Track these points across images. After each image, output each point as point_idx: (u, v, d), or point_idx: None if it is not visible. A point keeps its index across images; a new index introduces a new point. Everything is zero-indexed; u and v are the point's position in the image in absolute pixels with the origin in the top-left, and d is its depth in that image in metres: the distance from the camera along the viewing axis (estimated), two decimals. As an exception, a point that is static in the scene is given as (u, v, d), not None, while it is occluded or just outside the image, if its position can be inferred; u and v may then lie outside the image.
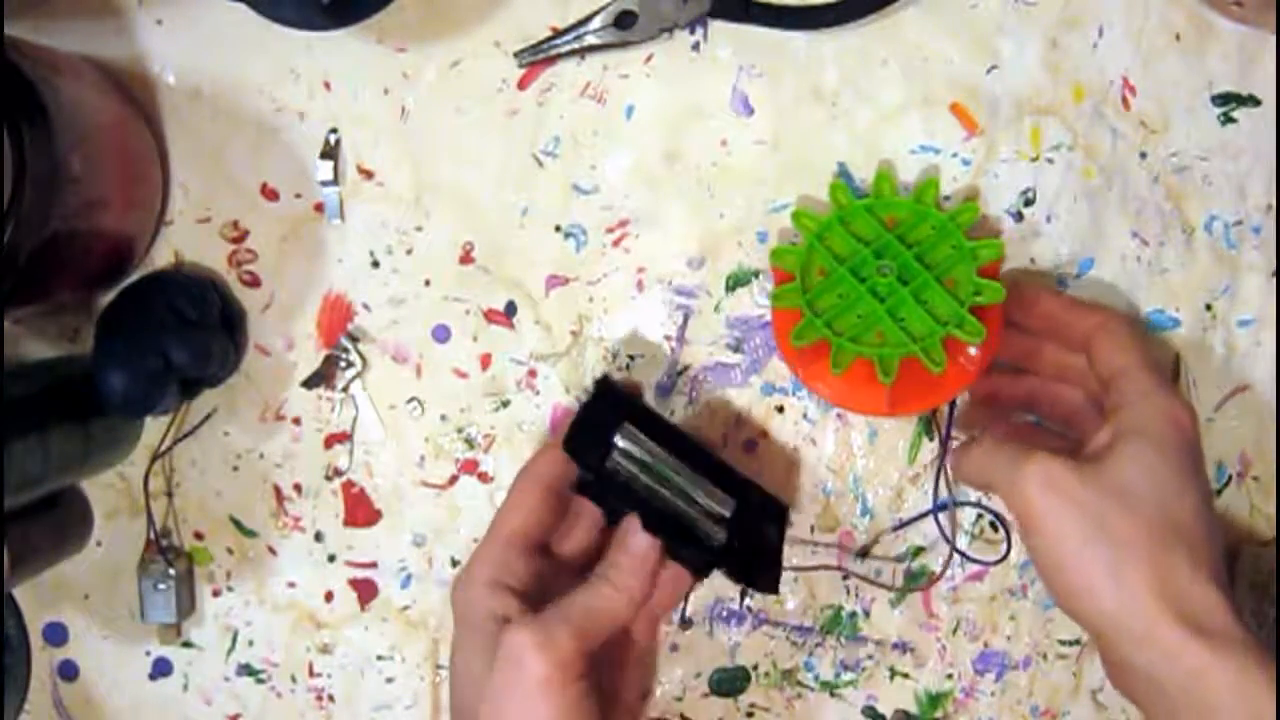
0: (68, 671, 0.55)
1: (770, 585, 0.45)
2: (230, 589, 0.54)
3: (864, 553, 0.53)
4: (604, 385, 0.48)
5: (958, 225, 0.45)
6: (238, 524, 0.54)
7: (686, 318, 0.52)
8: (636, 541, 0.42)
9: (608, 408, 0.46)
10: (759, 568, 0.45)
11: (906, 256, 0.45)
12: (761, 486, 0.48)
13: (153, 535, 0.53)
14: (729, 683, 0.54)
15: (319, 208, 0.51)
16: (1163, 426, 0.42)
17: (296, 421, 0.53)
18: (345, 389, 0.53)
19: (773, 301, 0.48)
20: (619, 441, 0.44)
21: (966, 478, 0.46)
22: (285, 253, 0.52)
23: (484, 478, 0.53)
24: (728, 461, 0.49)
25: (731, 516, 0.45)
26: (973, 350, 0.46)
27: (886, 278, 0.45)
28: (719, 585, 0.54)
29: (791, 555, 0.52)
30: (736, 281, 0.52)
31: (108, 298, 0.50)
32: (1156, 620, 0.38)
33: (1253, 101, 0.51)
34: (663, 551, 0.42)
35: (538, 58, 0.50)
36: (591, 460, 0.44)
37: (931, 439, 0.52)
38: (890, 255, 0.46)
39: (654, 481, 0.44)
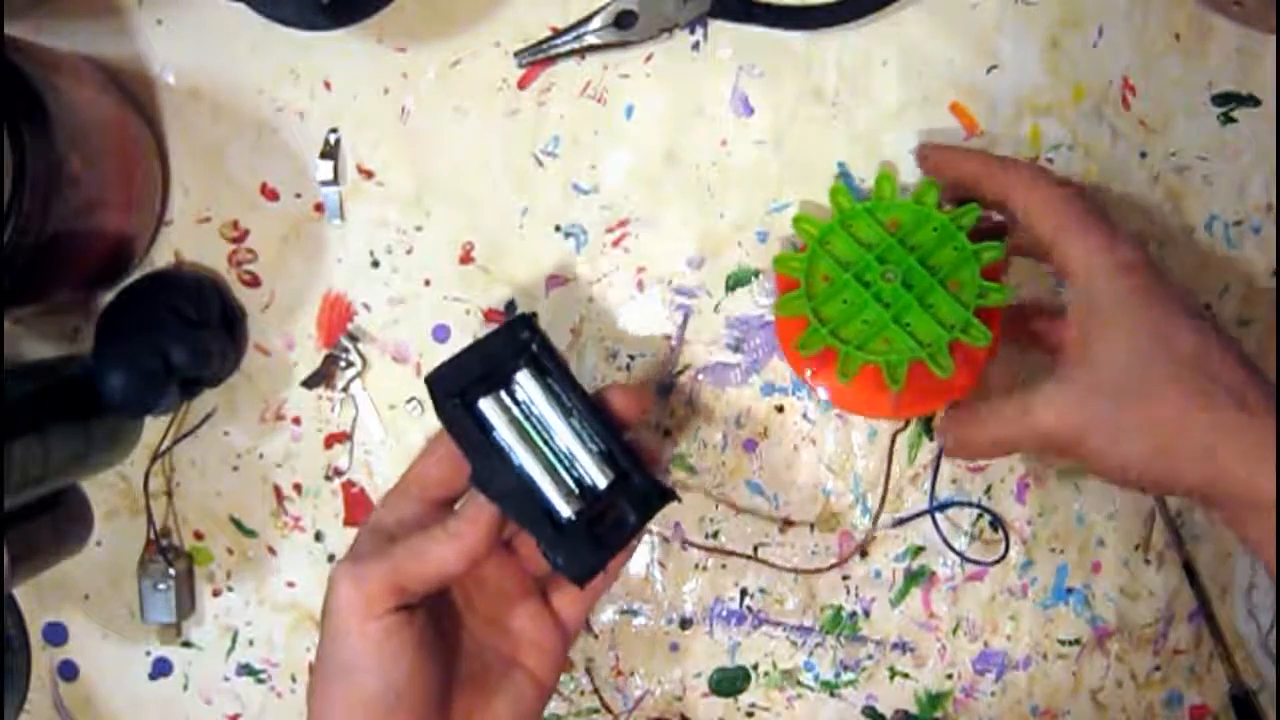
0: (68, 671, 0.55)
1: (578, 570, 0.41)
2: (230, 589, 0.54)
3: (864, 553, 0.53)
4: (521, 323, 0.43)
5: (959, 227, 0.45)
6: (238, 524, 0.54)
7: (686, 318, 0.52)
8: (476, 501, 0.41)
9: (510, 349, 0.42)
10: (579, 551, 0.41)
11: (910, 261, 0.45)
12: (650, 473, 0.43)
13: (153, 535, 0.53)
14: (729, 683, 0.54)
15: (319, 208, 0.51)
16: (1119, 292, 0.41)
17: (296, 421, 0.53)
18: (345, 389, 0.53)
19: (777, 310, 0.48)
20: (493, 397, 0.41)
21: (981, 452, 0.46)
22: (285, 253, 0.52)
23: (484, 478, 0.53)
24: (635, 439, 0.44)
25: (596, 494, 0.42)
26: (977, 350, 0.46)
27: (891, 283, 0.45)
28: (718, 585, 0.54)
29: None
30: (736, 281, 0.52)
31: (108, 298, 0.50)
32: (1232, 471, 0.39)
33: (1253, 101, 0.51)
34: (499, 515, 0.40)
35: (538, 58, 0.50)
36: (453, 398, 0.41)
37: (932, 439, 0.52)
38: (893, 260, 0.46)
39: (520, 439, 0.41)
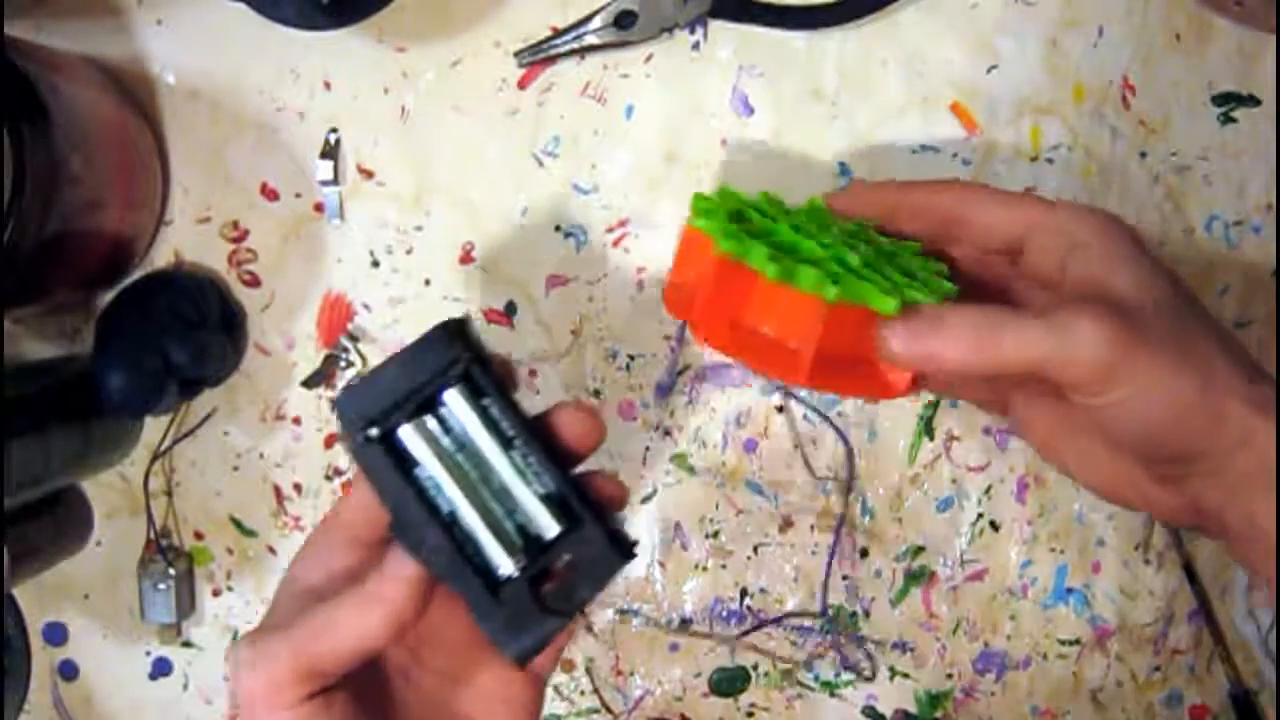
0: (68, 671, 0.55)
1: (518, 647, 0.33)
2: (230, 589, 0.54)
3: (864, 552, 0.53)
4: (452, 330, 0.34)
5: (905, 249, 0.41)
6: (238, 524, 0.54)
7: (686, 318, 0.52)
8: (399, 554, 0.33)
9: (438, 364, 0.34)
10: (521, 620, 0.33)
11: (853, 237, 0.39)
12: (609, 520, 0.35)
13: (153, 535, 0.53)
14: (729, 683, 0.54)
15: (319, 208, 0.51)
16: (1106, 244, 0.37)
17: (296, 421, 0.53)
18: (345, 389, 0.53)
19: (691, 220, 0.38)
20: (416, 424, 0.34)
21: (948, 364, 0.35)
22: (285, 253, 0.52)
23: (484, 478, 0.53)
24: (590, 475, 0.36)
25: (542, 545, 0.34)
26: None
27: (830, 237, 0.38)
28: (719, 585, 0.54)
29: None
30: (736, 281, 0.52)
31: (108, 298, 0.50)
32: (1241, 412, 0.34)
33: (1253, 101, 0.51)
34: (426, 573, 0.33)
35: (538, 58, 0.50)
36: (366, 426, 0.33)
37: (932, 439, 0.52)
38: (832, 236, 0.39)
39: (450, 475, 0.34)
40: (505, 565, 0.33)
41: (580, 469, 0.36)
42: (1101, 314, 0.33)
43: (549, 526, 0.34)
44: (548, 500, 0.34)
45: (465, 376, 0.34)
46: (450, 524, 0.33)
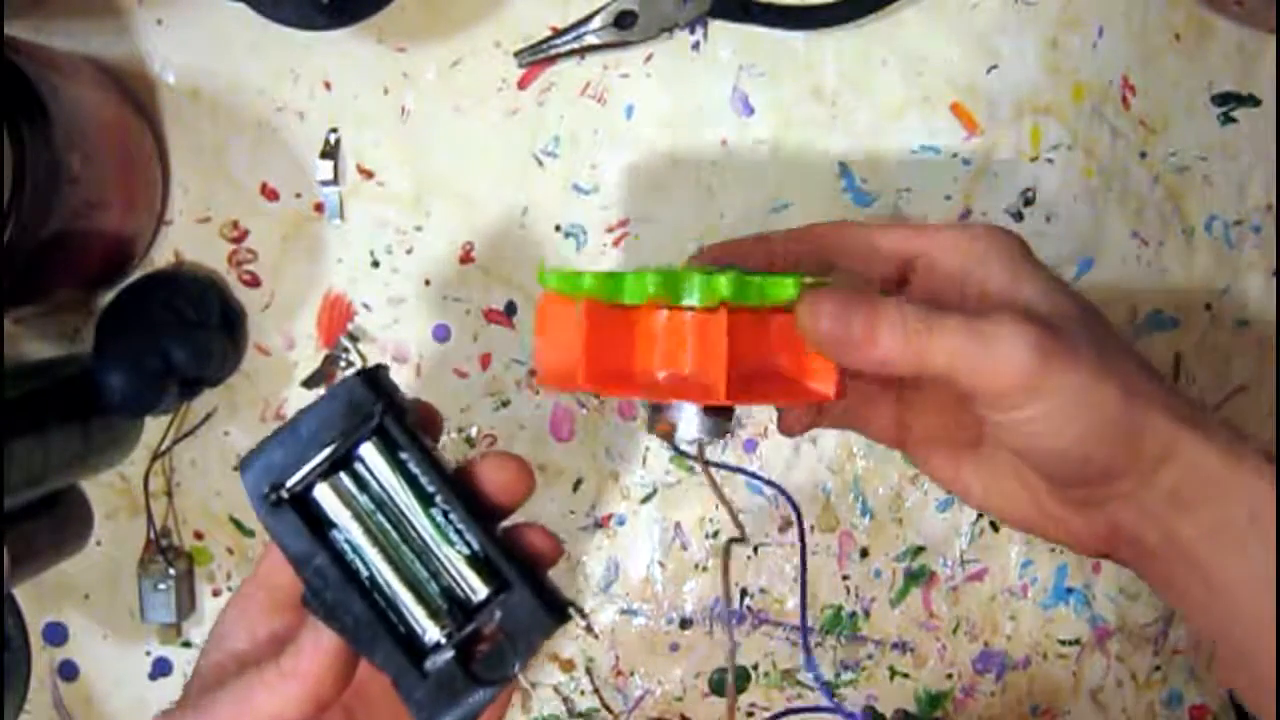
0: (68, 671, 0.55)
1: None
2: (230, 589, 0.54)
3: (864, 552, 0.53)
4: (366, 380, 0.32)
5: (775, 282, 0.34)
6: (238, 524, 0.54)
7: (686, 318, 0.52)
8: (316, 626, 0.31)
9: (350, 417, 0.32)
10: (449, 691, 0.31)
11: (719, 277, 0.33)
12: (546, 583, 0.33)
13: (153, 535, 0.53)
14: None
15: (319, 208, 0.51)
16: (998, 251, 0.34)
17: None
18: (345, 389, 0.53)
19: (543, 280, 0.34)
20: (331, 483, 0.32)
21: (868, 358, 0.32)
22: (285, 253, 0.52)
23: (484, 478, 0.53)
24: (518, 529, 0.34)
25: (470, 608, 0.32)
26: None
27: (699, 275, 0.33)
28: (719, 584, 0.54)
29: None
30: (736, 281, 0.52)
31: (108, 298, 0.50)
32: (1163, 427, 0.32)
33: (1253, 101, 0.51)
34: (343, 643, 0.31)
35: (538, 58, 0.50)
36: (273, 492, 0.31)
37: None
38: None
39: (368, 538, 0.32)
40: (430, 632, 0.31)
41: (509, 521, 0.34)
42: (1023, 321, 0.31)
43: (476, 589, 0.32)
44: (473, 560, 0.32)
45: (380, 430, 0.32)
46: (370, 590, 0.31)
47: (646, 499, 0.53)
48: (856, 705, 0.55)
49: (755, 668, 0.54)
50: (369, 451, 0.32)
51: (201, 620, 0.54)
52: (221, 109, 0.51)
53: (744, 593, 0.54)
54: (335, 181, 0.51)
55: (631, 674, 0.54)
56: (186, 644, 0.55)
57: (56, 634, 0.55)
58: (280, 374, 0.53)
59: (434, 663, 0.31)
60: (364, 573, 0.31)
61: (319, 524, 0.31)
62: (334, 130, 0.51)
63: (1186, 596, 0.34)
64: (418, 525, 0.32)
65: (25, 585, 0.51)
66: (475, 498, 0.32)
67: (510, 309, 0.52)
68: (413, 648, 0.31)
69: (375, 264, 0.52)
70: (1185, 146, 0.51)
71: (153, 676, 0.55)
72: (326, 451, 0.31)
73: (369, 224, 0.51)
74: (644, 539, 0.53)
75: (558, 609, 0.32)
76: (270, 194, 0.51)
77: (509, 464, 0.33)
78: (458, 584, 0.32)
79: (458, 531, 0.32)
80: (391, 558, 0.32)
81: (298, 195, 0.51)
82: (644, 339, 0.32)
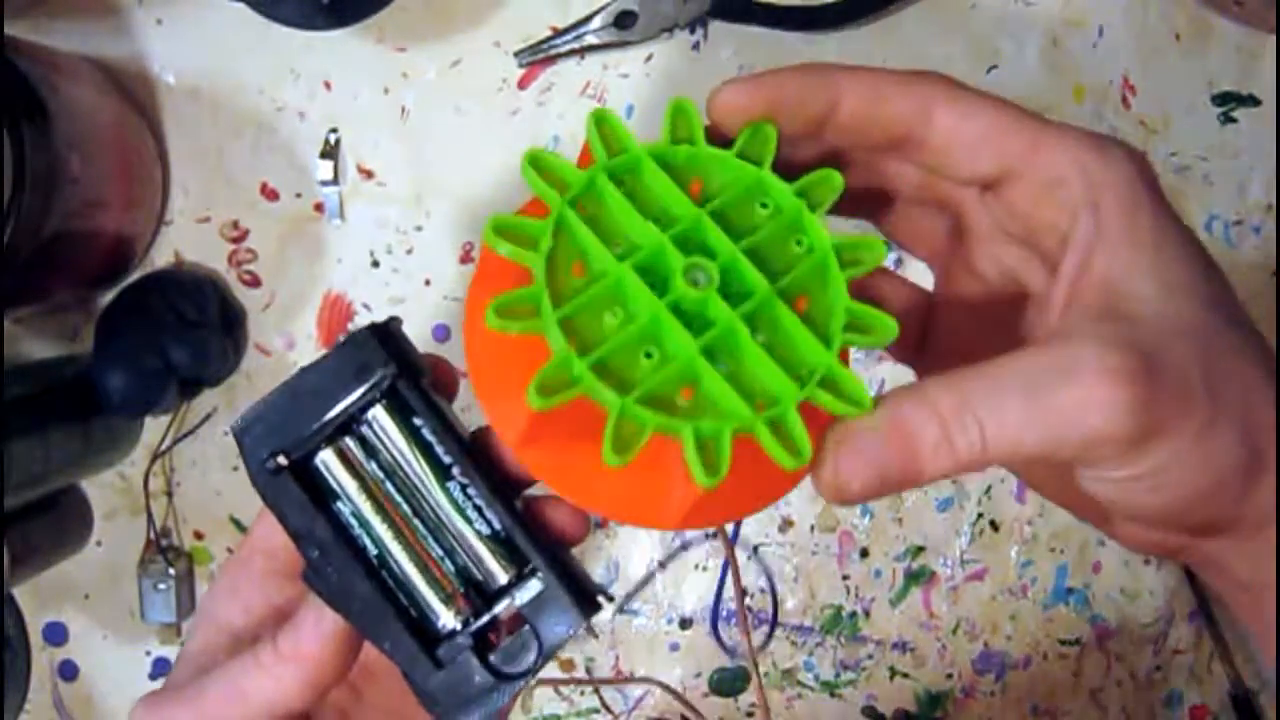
0: (68, 671, 0.55)
1: (464, 716, 0.28)
2: (230, 589, 0.54)
3: (864, 552, 0.53)
4: (376, 336, 0.28)
5: (812, 206, 0.27)
6: (238, 524, 0.54)
7: (686, 318, 0.52)
8: (316, 604, 0.28)
9: (358, 377, 0.28)
10: (465, 684, 0.28)
11: (730, 251, 0.26)
12: (574, 568, 0.29)
13: (153, 535, 0.53)
14: (729, 683, 0.54)
15: (319, 208, 0.51)
16: (1142, 201, 0.26)
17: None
18: (345, 389, 0.53)
19: (491, 318, 0.25)
20: (335, 449, 0.28)
21: (915, 481, 0.25)
22: (285, 253, 0.52)
23: (484, 478, 0.53)
24: (541, 503, 0.29)
25: (489, 593, 0.28)
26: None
27: (700, 290, 0.25)
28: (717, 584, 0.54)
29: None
30: (736, 281, 0.52)
31: (108, 298, 0.50)
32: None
33: (1253, 101, 0.51)
34: (345, 625, 0.28)
35: (538, 57, 0.50)
36: (272, 457, 0.28)
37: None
38: (703, 246, 0.26)
39: (376, 511, 0.28)
40: (445, 618, 0.28)
41: (530, 492, 0.30)
42: (1120, 381, 0.23)
43: (495, 572, 0.28)
44: (493, 540, 0.28)
45: (392, 391, 0.28)
46: (377, 569, 0.28)
47: (646, 499, 0.53)
48: (856, 705, 0.55)
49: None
50: (379, 415, 0.28)
51: (201, 620, 0.54)
52: (221, 109, 0.51)
53: (744, 593, 0.53)
54: (335, 181, 0.51)
55: (631, 674, 0.54)
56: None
57: (56, 634, 0.55)
58: (280, 374, 0.52)
59: (448, 652, 0.28)
60: (371, 550, 0.28)
61: (320, 495, 0.28)
62: (334, 130, 0.51)
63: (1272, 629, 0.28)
64: (431, 499, 0.28)
65: (25, 585, 0.51)
66: (494, 469, 0.29)
67: (510, 309, 0.52)
68: (424, 635, 0.28)
69: (375, 264, 0.52)
70: (1185, 146, 0.51)
71: (153, 676, 0.55)
72: (332, 414, 0.28)
73: (369, 224, 0.51)
74: (644, 539, 0.53)
75: (587, 598, 0.28)
76: (270, 194, 0.51)
77: None
78: (475, 566, 0.28)
79: (477, 508, 0.28)
80: (402, 534, 0.28)
81: (298, 195, 0.51)
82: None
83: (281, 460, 0.28)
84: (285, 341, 0.52)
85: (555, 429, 0.25)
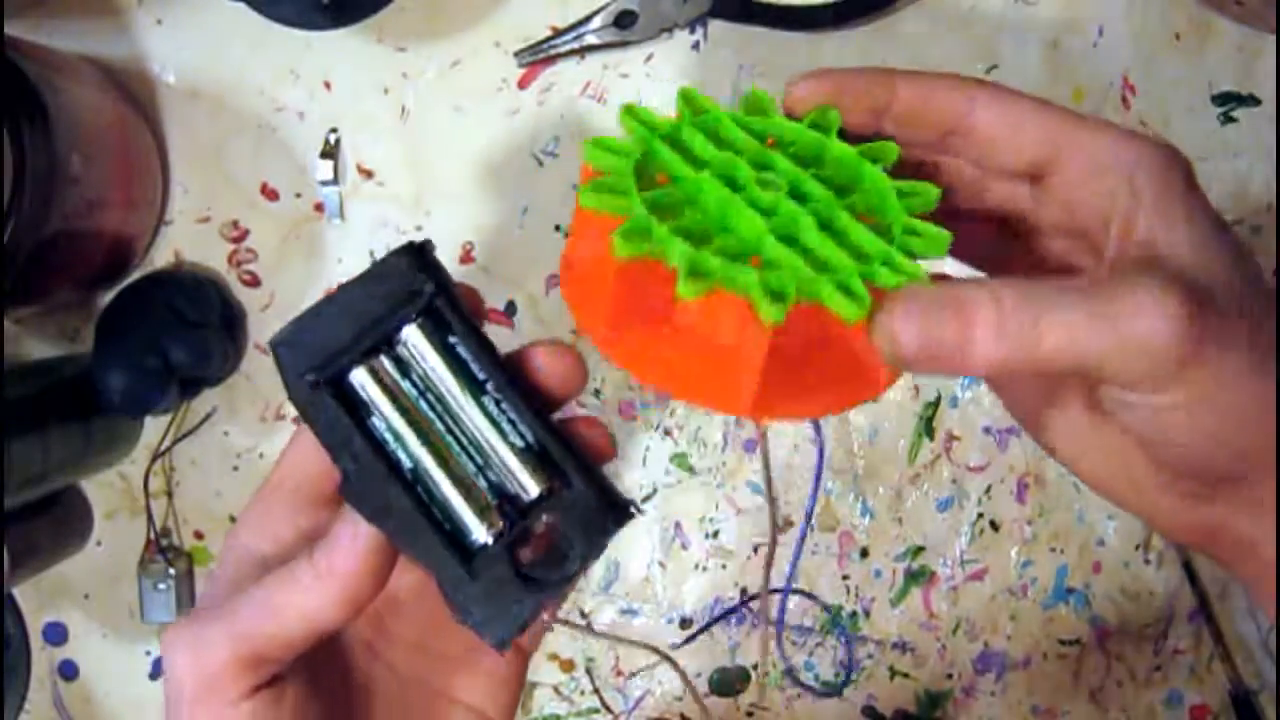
0: (68, 671, 0.55)
1: (500, 628, 0.28)
2: (230, 589, 0.54)
3: (864, 552, 0.53)
4: (411, 255, 0.29)
5: (875, 161, 0.30)
6: (238, 524, 0.54)
7: (686, 318, 0.52)
8: (352, 519, 0.28)
9: (394, 296, 0.29)
10: (500, 596, 0.28)
11: (799, 173, 0.29)
12: (600, 477, 0.30)
13: (153, 535, 0.53)
14: (729, 683, 0.54)
15: (319, 207, 0.51)
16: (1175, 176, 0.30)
17: (297, 421, 0.53)
18: (345, 389, 0.53)
19: (582, 199, 0.27)
20: (368, 366, 0.29)
21: (974, 366, 0.26)
22: (285, 253, 0.52)
23: (484, 478, 0.53)
24: (574, 421, 0.31)
25: (522, 506, 0.29)
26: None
27: (772, 192, 0.28)
28: (719, 584, 0.54)
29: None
30: (736, 281, 0.52)
31: (108, 298, 0.50)
32: None
33: (1253, 101, 0.51)
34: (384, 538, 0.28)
35: (538, 57, 0.50)
36: (309, 372, 0.28)
37: (932, 439, 0.52)
38: (775, 169, 0.29)
39: (411, 426, 0.29)
40: (479, 531, 0.28)
41: (558, 416, 0.30)
42: (1169, 290, 0.25)
43: (529, 485, 0.29)
44: (526, 454, 0.29)
45: (428, 310, 0.29)
46: (412, 483, 0.28)
47: (647, 499, 0.53)
48: (856, 705, 0.55)
49: (755, 668, 0.54)
50: (413, 334, 0.29)
51: (201, 620, 0.54)
52: (221, 109, 0.51)
53: (744, 593, 0.53)
54: (335, 181, 0.51)
55: (631, 674, 0.54)
56: (186, 644, 0.55)
57: (56, 634, 0.55)
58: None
59: (483, 565, 0.28)
60: (405, 465, 0.28)
61: (356, 411, 0.28)
62: (334, 130, 0.51)
63: None
64: (465, 415, 0.29)
65: (25, 585, 0.51)
66: (528, 388, 0.29)
67: (510, 309, 0.52)
68: (459, 548, 0.28)
69: (375, 264, 0.52)
70: (1185, 146, 0.51)
71: (153, 676, 0.55)
72: (369, 329, 0.28)
73: (369, 224, 0.51)
74: (644, 539, 0.53)
75: (620, 507, 0.29)
76: (270, 194, 0.51)
77: (566, 353, 0.30)
78: (508, 480, 0.29)
79: (511, 422, 0.29)
80: (436, 449, 0.28)
81: (298, 195, 0.51)
82: (675, 306, 0.27)
83: (315, 376, 0.28)
84: (285, 341, 0.52)
85: (637, 319, 0.27)
